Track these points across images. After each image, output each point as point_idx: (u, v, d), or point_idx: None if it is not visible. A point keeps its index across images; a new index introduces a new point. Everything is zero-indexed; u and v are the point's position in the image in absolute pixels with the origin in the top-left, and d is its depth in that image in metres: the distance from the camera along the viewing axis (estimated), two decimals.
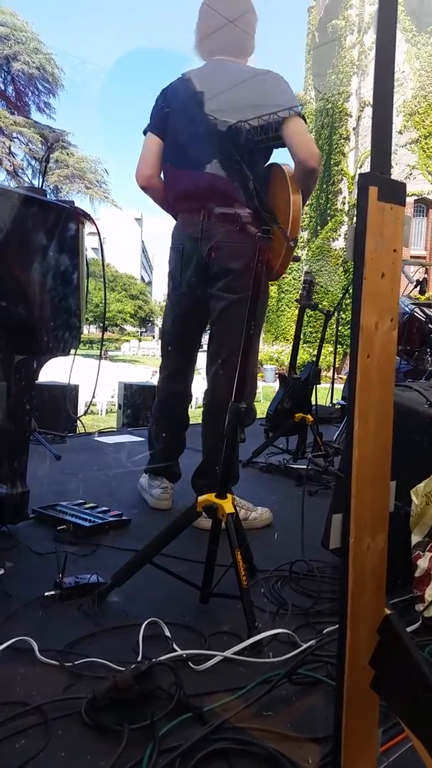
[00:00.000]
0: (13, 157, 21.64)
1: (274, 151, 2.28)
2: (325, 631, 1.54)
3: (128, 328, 46.99)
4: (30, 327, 2.00)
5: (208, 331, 2.51)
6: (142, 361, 26.04)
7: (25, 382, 2.04)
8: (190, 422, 2.77)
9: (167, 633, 1.51)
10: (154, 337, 59.09)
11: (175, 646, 1.45)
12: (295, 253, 1.94)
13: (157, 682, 1.25)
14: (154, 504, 2.59)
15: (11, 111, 21.90)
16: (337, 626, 0.95)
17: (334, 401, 5.42)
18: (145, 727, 1.16)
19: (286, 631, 1.53)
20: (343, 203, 22.27)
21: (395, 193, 0.94)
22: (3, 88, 22.46)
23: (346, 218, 22.11)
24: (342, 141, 22.25)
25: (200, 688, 1.31)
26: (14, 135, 21.54)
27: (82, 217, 2.19)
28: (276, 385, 4.37)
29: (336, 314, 4.53)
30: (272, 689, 1.28)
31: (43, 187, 2.82)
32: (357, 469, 0.91)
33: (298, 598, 1.78)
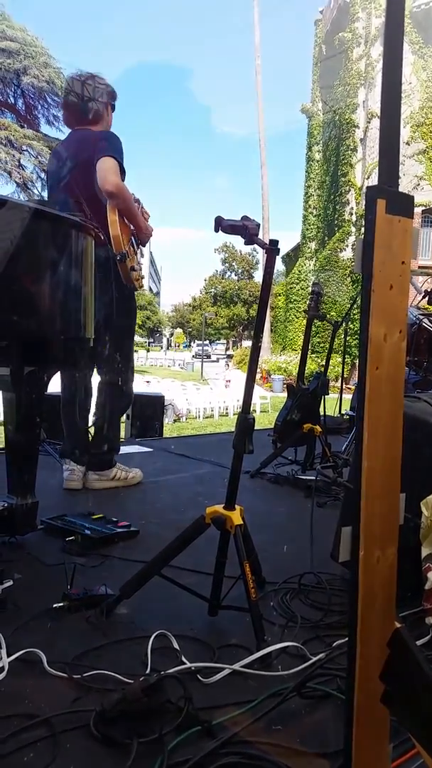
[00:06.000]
0: (23, 169, 21.84)
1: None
2: (334, 644, 1.53)
3: (136, 338, 47.13)
4: (40, 339, 2.01)
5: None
6: (150, 371, 26.10)
7: (35, 394, 2.05)
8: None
9: (176, 645, 1.51)
10: (161, 348, 59.29)
11: (183, 659, 1.45)
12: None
13: (165, 695, 1.25)
14: (64, 485, 2.98)
15: (21, 124, 22.11)
16: (346, 639, 0.95)
17: (343, 412, 5.40)
18: (154, 740, 1.16)
19: (295, 644, 1.52)
20: (351, 214, 22.25)
21: (403, 205, 0.95)
22: (13, 101, 22.69)
23: (353, 229, 22.09)
24: (349, 152, 22.25)
25: (209, 701, 1.30)
26: (24, 148, 21.74)
27: (92, 229, 2.21)
28: (284, 396, 4.36)
29: (344, 324, 4.52)
30: (282, 703, 1.27)
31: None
32: (366, 481, 0.90)
33: (307, 610, 1.77)
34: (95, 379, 3.13)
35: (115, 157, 2.73)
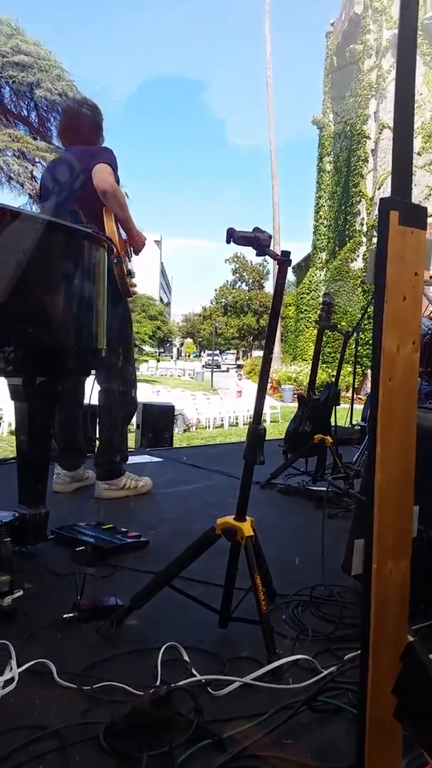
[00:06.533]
0: (36, 181, 22.01)
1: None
2: (346, 658, 1.52)
3: (147, 348, 47.33)
4: (54, 350, 2.02)
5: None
6: (160, 381, 26.15)
7: (47, 404, 2.06)
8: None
9: (186, 657, 1.50)
10: (172, 358, 59.44)
11: (194, 671, 1.44)
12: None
13: (175, 708, 1.24)
14: (52, 488, 3.05)
15: (34, 136, 22.31)
16: (358, 652, 0.94)
17: (354, 422, 5.38)
18: (164, 753, 1.15)
19: (306, 657, 1.51)
20: (362, 224, 22.26)
21: (416, 217, 0.95)
22: (26, 114, 22.93)
23: (364, 239, 22.10)
24: (360, 163, 22.31)
25: (219, 714, 1.29)
26: (37, 160, 21.94)
27: (104, 241, 2.22)
28: (294, 405, 4.35)
29: (355, 335, 4.51)
30: (292, 716, 1.26)
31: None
32: (379, 493, 0.90)
33: (318, 623, 1.76)
34: (97, 388, 3.15)
35: (110, 164, 2.91)
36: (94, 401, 3.10)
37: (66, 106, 3.36)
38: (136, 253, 3.16)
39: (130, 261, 3.10)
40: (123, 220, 2.99)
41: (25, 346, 1.92)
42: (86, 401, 3.18)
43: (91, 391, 3.02)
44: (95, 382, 3.09)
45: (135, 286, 3.12)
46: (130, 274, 3.03)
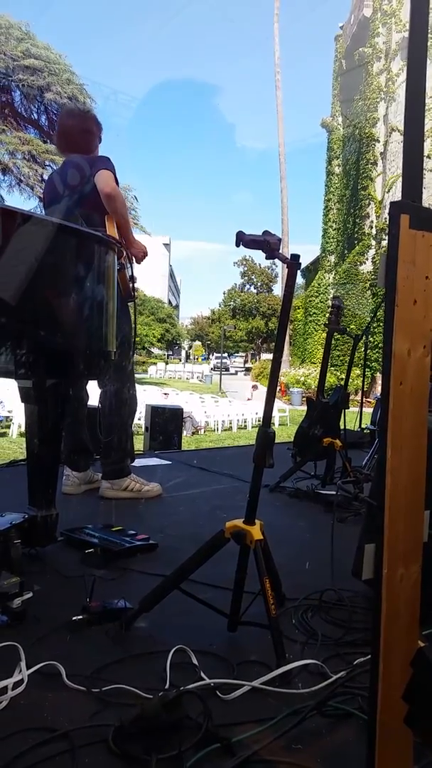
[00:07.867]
0: None
1: None
2: (355, 663, 1.51)
3: (155, 351, 47.40)
4: (65, 352, 2.02)
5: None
6: (168, 383, 26.19)
7: (58, 407, 2.06)
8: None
9: (195, 661, 1.50)
10: (180, 360, 59.53)
11: (203, 675, 1.43)
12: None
13: (185, 711, 1.24)
14: (62, 490, 3.09)
15: (44, 139, 22.48)
16: (367, 657, 0.93)
17: (363, 426, 5.36)
18: (173, 757, 1.14)
19: (315, 661, 1.50)
20: (371, 227, 22.25)
21: (427, 220, 0.94)
22: (36, 117, 23.11)
23: (373, 242, 22.08)
24: (369, 166, 22.31)
25: (228, 718, 1.29)
26: (46, 163, 22.10)
27: (115, 245, 2.23)
28: (303, 409, 4.34)
29: (364, 338, 4.50)
30: (302, 721, 1.25)
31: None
32: (390, 498, 0.89)
33: (328, 627, 1.75)
34: (96, 390, 3.16)
35: (111, 170, 2.99)
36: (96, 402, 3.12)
37: (61, 114, 3.50)
38: (138, 261, 3.19)
39: (131, 266, 3.14)
40: (123, 225, 3.04)
41: (36, 348, 1.93)
42: (92, 403, 3.19)
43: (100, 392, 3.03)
44: (99, 384, 3.10)
45: (136, 291, 3.16)
46: (133, 279, 3.07)
